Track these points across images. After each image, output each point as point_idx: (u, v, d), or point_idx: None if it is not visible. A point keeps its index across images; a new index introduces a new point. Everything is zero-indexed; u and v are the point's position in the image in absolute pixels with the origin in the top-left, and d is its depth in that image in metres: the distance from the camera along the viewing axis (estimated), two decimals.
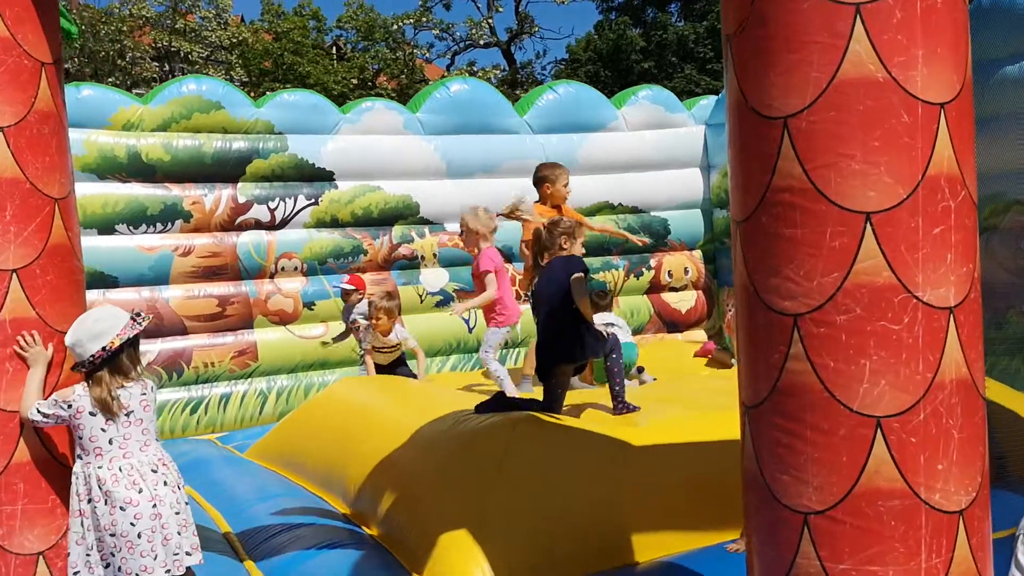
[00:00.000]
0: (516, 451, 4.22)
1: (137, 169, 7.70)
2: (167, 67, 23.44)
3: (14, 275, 3.23)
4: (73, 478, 3.26)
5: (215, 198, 7.96)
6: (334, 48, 27.80)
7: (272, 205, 8.14)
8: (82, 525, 3.23)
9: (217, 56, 24.10)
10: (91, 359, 3.26)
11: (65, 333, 3.31)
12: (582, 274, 5.13)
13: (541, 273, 5.36)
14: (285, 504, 4.93)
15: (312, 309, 8.24)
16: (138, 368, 3.39)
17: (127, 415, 3.31)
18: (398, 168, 8.55)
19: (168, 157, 7.79)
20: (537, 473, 4.10)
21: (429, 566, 3.88)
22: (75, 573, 3.23)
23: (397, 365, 7.11)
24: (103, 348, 3.26)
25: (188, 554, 3.38)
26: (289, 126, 8.22)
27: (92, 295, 7.47)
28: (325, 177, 8.33)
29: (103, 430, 3.26)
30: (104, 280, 7.57)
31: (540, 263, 5.36)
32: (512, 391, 6.17)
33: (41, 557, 3.26)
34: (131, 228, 7.69)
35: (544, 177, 6.73)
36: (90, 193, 7.52)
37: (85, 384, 3.28)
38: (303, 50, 24.26)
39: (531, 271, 5.89)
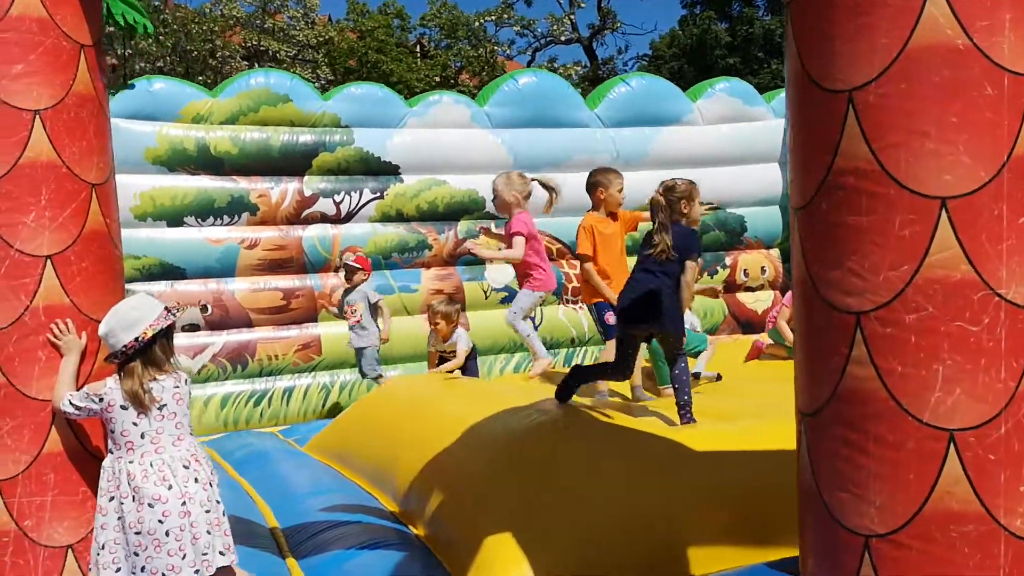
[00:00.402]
0: (565, 453, 4.02)
1: (206, 162, 7.72)
2: (256, 66, 23.83)
3: (48, 261, 3.16)
4: (101, 472, 3.18)
5: (281, 191, 7.94)
6: (417, 46, 27.96)
7: (337, 198, 8.09)
8: (101, 523, 3.14)
9: (304, 55, 24.45)
10: (124, 349, 3.17)
11: (99, 322, 3.23)
12: (696, 263, 5.05)
13: (649, 236, 5.19)
14: (335, 500, 4.82)
15: None
16: (171, 360, 3.29)
17: (160, 408, 3.21)
18: (464, 162, 8.41)
19: (236, 150, 7.79)
20: (587, 477, 3.89)
21: (472, 571, 3.70)
22: (88, 570, 3.15)
23: (465, 366, 6.90)
24: (136, 339, 3.17)
25: (221, 554, 3.27)
26: (356, 119, 8.15)
27: (159, 286, 7.56)
28: (391, 171, 8.25)
29: (135, 424, 3.16)
30: (172, 272, 7.62)
31: (658, 226, 5.22)
32: (542, 351, 6.06)
33: (70, 550, 3.19)
34: (199, 220, 7.72)
35: (597, 182, 6.39)
36: (160, 185, 7.58)
37: (117, 377, 3.19)
38: (387, 48, 24.43)
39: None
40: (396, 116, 8.31)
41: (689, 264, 5.00)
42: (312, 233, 8.02)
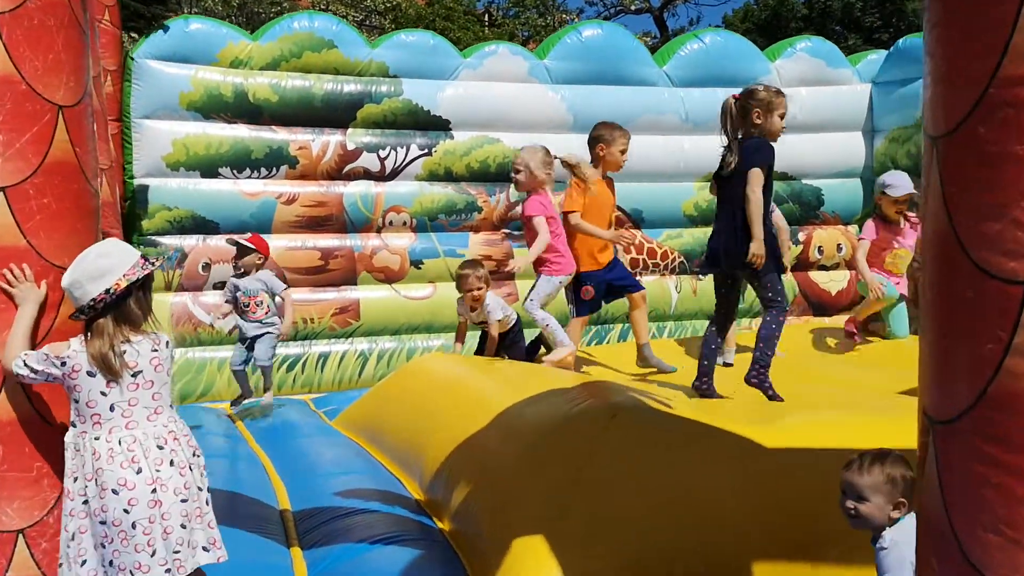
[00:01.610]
0: (610, 444, 3.44)
1: (243, 109, 7.24)
2: None
3: (1, 193, 2.66)
4: (65, 448, 2.68)
5: (323, 144, 7.43)
6: (486, 15, 27.30)
7: (383, 154, 7.55)
8: (70, 509, 2.65)
9: (371, 21, 23.97)
10: (91, 303, 2.66)
11: (63, 269, 2.72)
12: (759, 169, 4.65)
13: (725, 156, 4.85)
14: (355, 484, 4.33)
15: (420, 268, 7.64)
16: (150, 319, 2.78)
17: (133, 376, 2.69)
18: (520, 119, 7.80)
19: (276, 98, 7.30)
20: (633, 473, 3.30)
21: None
22: (59, 565, 2.67)
23: (509, 342, 6.13)
24: (107, 291, 2.65)
25: (205, 550, 2.75)
26: (405, 69, 7.59)
27: (190, 240, 7.14)
28: (441, 126, 7.68)
29: (103, 394, 2.65)
30: (205, 225, 7.19)
31: (729, 142, 4.84)
32: (565, 339, 5.57)
33: (21, 536, 2.71)
34: (235, 172, 7.26)
35: (599, 136, 5.85)
36: (194, 133, 7.13)
37: (83, 337, 2.69)
38: (455, 16, 23.89)
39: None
40: (449, 67, 7.73)
41: (752, 173, 4.59)
42: (354, 190, 7.50)
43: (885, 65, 8.61)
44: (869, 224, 6.72)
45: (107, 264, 2.68)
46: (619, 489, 3.28)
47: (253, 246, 6.19)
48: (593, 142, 5.86)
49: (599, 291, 5.84)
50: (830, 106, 8.52)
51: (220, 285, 7.03)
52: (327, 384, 7.39)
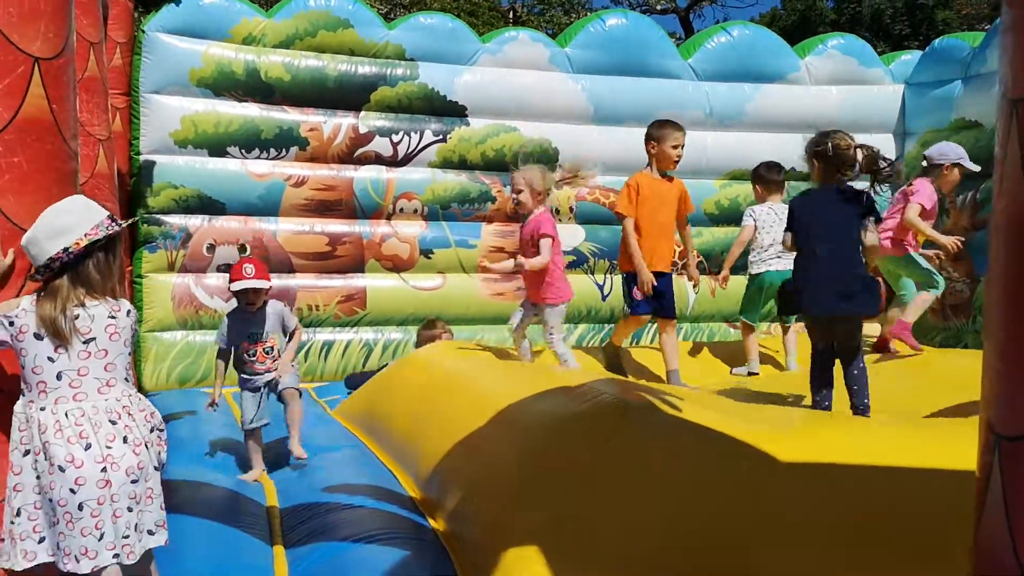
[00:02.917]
0: (621, 448, 3.20)
1: (255, 88, 7.04)
2: None
3: None
4: (14, 419, 2.47)
5: (334, 126, 7.22)
6: (511, 12, 27.09)
7: (395, 139, 7.33)
8: (15, 483, 2.44)
9: (395, 14, 23.82)
10: (48, 263, 2.45)
11: None
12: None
13: (816, 196, 4.47)
14: (349, 479, 4.11)
15: (430, 258, 7.42)
16: (109, 284, 2.56)
17: (85, 343, 2.48)
18: (539, 108, 7.57)
19: (288, 77, 7.09)
20: (644, 479, 3.06)
21: None
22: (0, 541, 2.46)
23: None
24: (64, 249, 2.45)
25: (150, 533, 2.56)
26: (422, 52, 7.37)
27: (196, 220, 6.95)
28: (456, 112, 7.45)
29: (50, 359, 2.45)
30: (211, 206, 6.98)
31: (817, 180, 4.49)
32: (576, 367, 5.15)
33: None
34: (243, 151, 7.05)
35: (650, 135, 5.70)
36: (203, 110, 6.93)
37: (35, 296, 2.48)
38: (479, 12, 23.68)
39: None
40: (467, 52, 7.50)
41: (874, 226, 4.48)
42: (365, 175, 7.28)
43: (919, 66, 8.32)
44: (926, 188, 5.80)
45: (68, 222, 2.49)
46: (628, 498, 3.04)
47: (263, 283, 4.34)
48: (645, 140, 5.73)
49: (650, 294, 5.49)
50: (861, 106, 8.24)
51: (224, 267, 6.83)
52: (330, 373, 7.18)
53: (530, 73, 7.56)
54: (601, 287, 7.80)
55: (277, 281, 7.00)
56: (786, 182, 6.28)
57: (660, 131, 5.67)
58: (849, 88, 8.26)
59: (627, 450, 3.23)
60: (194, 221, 6.95)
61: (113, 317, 2.53)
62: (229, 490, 3.99)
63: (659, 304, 5.56)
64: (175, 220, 6.92)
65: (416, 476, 4.12)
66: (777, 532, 2.80)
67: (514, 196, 5.21)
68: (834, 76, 8.24)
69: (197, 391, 6.46)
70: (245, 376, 4.43)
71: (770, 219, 5.92)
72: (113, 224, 2.53)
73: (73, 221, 2.46)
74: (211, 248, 7.00)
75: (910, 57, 8.53)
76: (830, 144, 4.39)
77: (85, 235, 2.46)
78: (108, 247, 2.54)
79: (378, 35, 7.28)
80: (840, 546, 2.73)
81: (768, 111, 8.05)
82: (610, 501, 3.04)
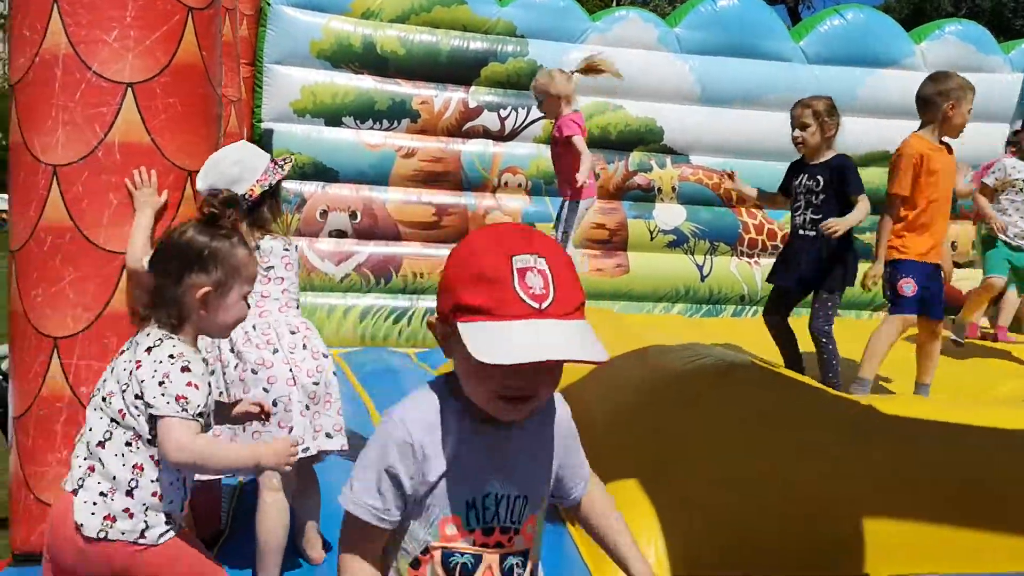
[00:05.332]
0: (718, 409, 3.28)
1: (371, 61, 7.30)
2: None
3: (129, 90, 2.70)
4: None
5: (445, 100, 7.43)
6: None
7: (503, 114, 7.51)
8: None
9: None
10: None
11: (184, 170, 2.76)
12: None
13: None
14: None
15: None
16: (279, 222, 2.85)
17: (266, 270, 2.78)
18: (645, 87, 7.63)
19: (403, 51, 7.33)
20: (741, 439, 3.14)
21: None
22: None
23: None
24: (242, 196, 2.72)
25: (329, 436, 2.82)
26: (532, 29, 7.52)
27: (310, 187, 7.26)
28: None
29: None
30: (325, 173, 7.28)
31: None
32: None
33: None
34: (358, 122, 7.32)
35: (943, 92, 4.77)
36: (322, 81, 7.23)
37: None
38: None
39: None
40: (577, 30, 7.62)
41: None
42: (472, 148, 7.48)
43: None
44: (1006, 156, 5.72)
45: (240, 171, 2.77)
46: (724, 459, 3.12)
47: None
48: (930, 100, 4.75)
49: (920, 288, 4.66)
50: (977, 94, 7.99)
51: (336, 233, 7.14)
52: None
53: (638, 52, 7.62)
54: (701, 267, 7.83)
55: (384, 248, 7.34)
56: None
57: (961, 89, 4.72)
58: (965, 75, 8.04)
59: (721, 411, 3.30)
60: (308, 188, 7.25)
61: (287, 250, 2.86)
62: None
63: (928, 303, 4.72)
64: (291, 186, 7.22)
65: None
66: (879, 489, 2.86)
67: (537, 105, 5.35)
68: (950, 62, 8.02)
69: None
70: None
71: None
72: (278, 168, 2.79)
73: (246, 170, 2.75)
74: (323, 214, 7.30)
75: None
76: None
77: (257, 182, 2.74)
78: (275, 191, 2.81)
79: (491, 12, 7.46)
80: (947, 506, 2.77)
81: (879, 96, 7.94)
82: (699, 461, 3.09)
